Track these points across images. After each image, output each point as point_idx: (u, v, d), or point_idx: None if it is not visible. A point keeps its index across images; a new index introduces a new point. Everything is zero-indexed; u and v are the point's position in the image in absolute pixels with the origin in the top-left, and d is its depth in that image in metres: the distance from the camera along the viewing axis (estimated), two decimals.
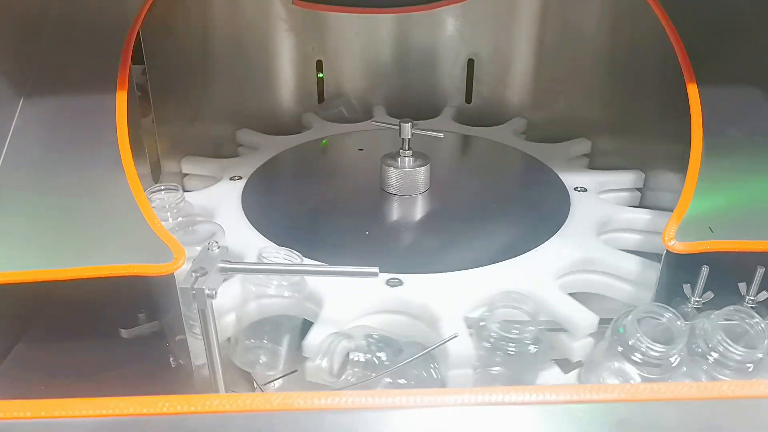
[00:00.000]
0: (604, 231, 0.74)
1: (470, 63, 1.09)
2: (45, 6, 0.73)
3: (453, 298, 0.59)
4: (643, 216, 0.76)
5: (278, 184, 0.87)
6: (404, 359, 0.50)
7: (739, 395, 0.35)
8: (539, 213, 0.77)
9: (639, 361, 0.53)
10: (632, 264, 0.66)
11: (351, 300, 0.59)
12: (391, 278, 0.61)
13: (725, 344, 0.52)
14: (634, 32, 0.86)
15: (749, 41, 0.72)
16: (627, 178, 0.85)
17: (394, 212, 0.79)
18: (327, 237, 0.73)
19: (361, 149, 0.95)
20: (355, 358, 0.50)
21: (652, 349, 0.51)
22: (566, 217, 0.74)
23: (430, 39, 1.07)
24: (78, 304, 0.70)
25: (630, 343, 0.53)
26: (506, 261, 0.65)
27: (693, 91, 0.69)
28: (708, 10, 0.74)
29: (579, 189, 0.80)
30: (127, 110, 0.71)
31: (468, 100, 1.12)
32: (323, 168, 0.94)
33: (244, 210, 0.77)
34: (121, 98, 0.70)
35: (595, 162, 0.95)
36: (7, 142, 0.67)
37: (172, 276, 0.55)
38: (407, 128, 0.78)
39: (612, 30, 0.91)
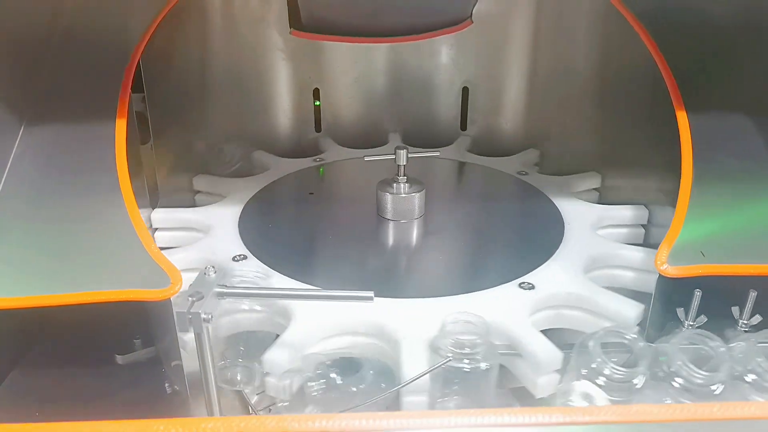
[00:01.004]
0: (593, 267, 0.73)
1: (464, 91, 1.11)
2: (47, 34, 0.74)
3: (419, 323, 0.59)
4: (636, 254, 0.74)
5: (275, 208, 0.88)
6: (369, 377, 0.50)
7: (731, 417, 0.35)
8: (530, 242, 0.77)
9: (603, 384, 0.53)
10: (616, 304, 0.64)
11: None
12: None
13: (687, 368, 0.53)
14: (624, 62, 0.88)
15: (737, 69, 0.74)
16: (627, 214, 0.83)
17: (389, 237, 0.80)
18: (322, 261, 0.74)
19: (311, 193, 0.94)
20: (313, 392, 0.50)
21: (617, 372, 0.51)
22: (557, 248, 0.74)
23: (426, 67, 1.09)
24: (74, 330, 0.70)
25: (593, 365, 0.53)
26: (482, 291, 0.65)
27: (682, 118, 0.71)
28: (696, 40, 0.76)
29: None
30: (127, 137, 0.72)
31: (463, 127, 1.13)
32: (320, 193, 0.95)
33: (240, 234, 0.77)
34: (121, 126, 0.72)
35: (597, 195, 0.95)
36: (7, 169, 0.68)
37: (169, 301, 0.55)
38: (402, 155, 0.79)
39: (602, 59, 0.93)
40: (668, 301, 0.62)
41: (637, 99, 0.83)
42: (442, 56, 1.09)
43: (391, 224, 0.81)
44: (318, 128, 1.13)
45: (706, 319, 0.60)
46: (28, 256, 0.62)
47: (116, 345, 0.69)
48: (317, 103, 1.11)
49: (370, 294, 0.51)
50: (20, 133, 0.72)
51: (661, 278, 0.61)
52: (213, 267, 0.52)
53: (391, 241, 0.79)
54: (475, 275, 0.70)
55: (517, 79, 1.07)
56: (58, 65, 0.74)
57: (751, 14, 0.75)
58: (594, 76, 0.94)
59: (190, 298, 0.48)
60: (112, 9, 0.77)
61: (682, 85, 0.73)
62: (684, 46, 0.76)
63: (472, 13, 1.03)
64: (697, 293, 0.60)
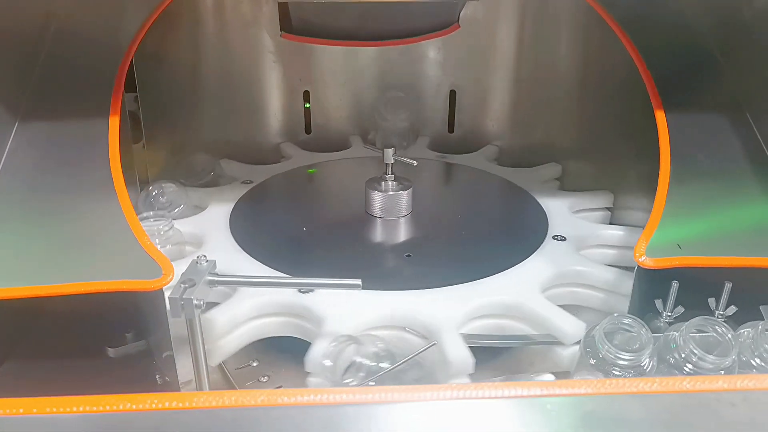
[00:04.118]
0: (581, 247, 0.78)
1: (452, 94, 1.13)
2: (41, 32, 0.75)
3: (438, 312, 0.62)
4: (616, 233, 0.80)
5: (265, 208, 0.89)
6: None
7: (699, 389, 0.37)
8: (519, 232, 0.80)
9: (615, 373, 0.54)
10: (609, 275, 0.70)
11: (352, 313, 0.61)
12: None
13: (696, 354, 0.54)
14: (604, 63, 0.91)
15: (713, 71, 0.77)
16: (598, 199, 0.90)
17: (378, 233, 0.81)
18: (313, 256, 0.75)
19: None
20: (359, 362, 0.51)
21: (621, 359, 0.53)
22: (545, 235, 0.77)
23: (414, 71, 1.12)
24: (67, 321, 0.71)
25: (601, 355, 0.55)
26: (493, 276, 0.68)
27: (660, 116, 0.73)
28: (673, 42, 0.79)
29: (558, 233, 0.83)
30: (120, 136, 0.73)
31: (450, 129, 1.15)
32: (310, 193, 0.97)
33: (232, 233, 0.79)
34: (114, 123, 0.73)
35: (568, 184, 0.99)
36: (1, 164, 0.69)
37: (161, 291, 0.56)
38: (389, 154, 0.81)
39: (583, 60, 0.96)
40: (647, 292, 0.64)
41: (617, 99, 0.86)
42: (430, 59, 1.11)
43: (379, 221, 0.83)
44: (308, 131, 1.15)
45: (683, 310, 0.62)
46: (21, 247, 0.63)
47: (108, 338, 0.69)
48: (307, 105, 1.13)
49: (358, 282, 0.53)
50: (14, 129, 0.73)
51: (640, 270, 0.63)
52: (204, 256, 0.53)
53: (379, 237, 0.81)
54: (479, 263, 0.72)
55: (503, 82, 1.09)
56: (52, 63, 0.75)
57: (727, 20, 0.78)
58: (575, 76, 0.98)
59: (182, 285, 0.49)
60: (105, 9, 0.79)
61: (661, 86, 0.75)
62: (663, 49, 0.79)
63: (459, 17, 1.06)
64: (675, 285, 0.62)
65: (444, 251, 0.77)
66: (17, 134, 0.72)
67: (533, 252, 0.74)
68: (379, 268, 0.73)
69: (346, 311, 0.60)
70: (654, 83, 0.76)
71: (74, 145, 0.72)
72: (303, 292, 0.62)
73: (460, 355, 0.56)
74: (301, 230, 0.81)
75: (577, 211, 0.87)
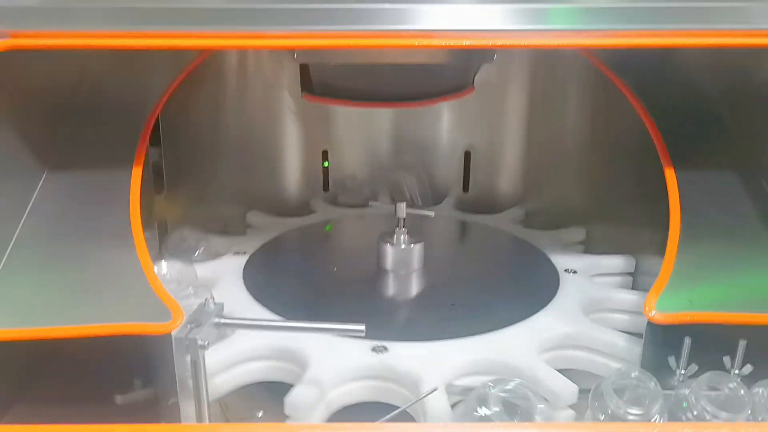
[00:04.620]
0: (592, 310, 0.76)
1: (467, 155, 1.15)
2: (75, 89, 0.80)
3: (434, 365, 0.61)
4: (630, 297, 0.78)
5: (279, 260, 0.91)
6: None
7: None
8: (528, 290, 0.79)
9: None
10: (617, 340, 0.68)
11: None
12: (378, 345, 0.63)
13: (708, 411, 0.53)
14: (614, 124, 0.92)
15: (722, 132, 0.78)
16: (617, 263, 0.87)
17: (389, 287, 0.82)
18: (323, 307, 0.76)
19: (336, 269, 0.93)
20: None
21: (630, 413, 0.52)
22: (554, 294, 0.76)
23: (430, 131, 1.15)
24: (77, 365, 0.72)
25: (609, 411, 0.53)
26: (493, 332, 0.68)
27: (670, 174, 0.74)
28: (683, 104, 0.80)
29: (569, 270, 0.83)
30: (143, 186, 0.76)
31: (465, 189, 1.17)
32: (323, 247, 0.98)
33: (245, 282, 0.80)
34: (136, 174, 0.76)
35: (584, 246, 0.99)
36: (28, 209, 0.72)
37: (169, 336, 0.57)
38: (402, 207, 0.83)
39: (592, 122, 0.98)
40: (659, 347, 0.62)
41: (626, 159, 0.87)
42: (445, 121, 1.14)
43: (390, 275, 0.83)
44: (326, 188, 1.17)
45: (697, 368, 0.61)
46: (37, 290, 0.65)
47: (117, 383, 0.70)
48: (326, 164, 1.16)
49: (361, 327, 0.53)
50: (42, 179, 0.76)
51: (651, 325, 0.62)
52: (213, 298, 0.54)
53: (397, 289, 0.81)
54: (482, 319, 0.71)
55: (516, 144, 1.11)
56: (83, 117, 0.80)
57: (736, 82, 0.80)
58: (584, 136, 0.99)
59: (188, 325, 0.50)
60: (137, 68, 0.84)
61: (671, 146, 0.76)
62: (672, 111, 0.80)
63: (473, 81, 1.09)
64: (687, 341, 0.61)
65: (447, 305, 0.77)
66: (45, 182, 0.76)
67: (538, 311, 0.73)
68: (379, 319, 0.73)
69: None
70: (663, 143, 0.77)
71: (98, 194, 0.75)
72: (377, 352, 0.63)
73: None
74: (308, 282, 0.82)
75: (595, 275, 0.85)
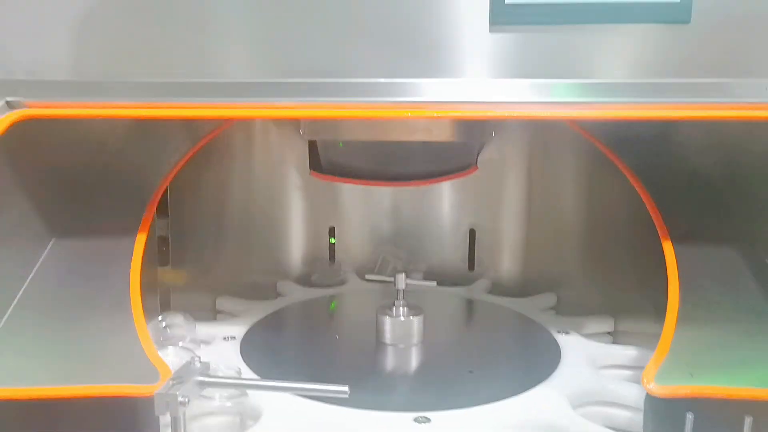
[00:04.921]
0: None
1: (471, 233, 1.16)
2: (87, 157, 0.83)
3: None
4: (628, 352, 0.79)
5: (278, 334, 0.90)
6: None
7: None
8: (535, 354, 0.80)
9: None
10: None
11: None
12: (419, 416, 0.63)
13: None
14: (611, 204, 0.94)
15: (719, 202, 0.78)
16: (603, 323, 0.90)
17: (387, 360, 0.81)
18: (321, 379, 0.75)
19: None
20: None
21: None
22: (560, 356, 0.77)
23: (434, 209, 1.16)
24: (69, 422, 0.70)
25: None
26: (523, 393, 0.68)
27: (668, 247, 0.74)
28: (679, 175, 0.81)
29: (561, 332, 0.84)
30: (147, 257, 0.78)
31: (471, 267, 1.17)
32: (323, 322, 0.98)
33: (243, 357, 0.79)
34: (140, 242, 0.78)
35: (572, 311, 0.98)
36: (33, 272, 0.74)
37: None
38: (401, 279, 0.83)
39: (588, 196, 1.01)
40: (660, 422, 0.60)
41: (623, 235, 0.87)
42: (448, 199, 1.16)
43: (389, 348, 0.82)
44: (332, 262, 1.18)
45: None
46: (34, 352, 0.66)
47: None
48: (332, 240, 1.18)
49: (345, 388, 0.52)
50: (50, 244, 0.78)
51: (649, 398, 0.60)
52: (199, 357, 0.54)
53: (394, 362, 0.80)
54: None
55: (517, 220, 1.12)
56: (93, 185, 0.83)
57: (732, 155, 0.81)
58: (581, 210, 1.02)
59: (170, 382, 0.50)
60: (148, 141, 0.88)
61: (668, 220, 0.77)
62: (670, 186, 0.81)
63: (477, 160, 1.12)
64: (690, 417, 0.58)
65: (466, 372, 0.77)
66: (53, 247, 0.78)
67: (545, 378, 0.71)
68: (374, 390, 0.72)
69: None
70: (661, 217, 0.77)
71: (102, 260, 0.77)
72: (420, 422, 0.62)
73: None
74: (304, 355, 0.82)
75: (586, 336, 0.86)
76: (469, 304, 1.04)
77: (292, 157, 1.12)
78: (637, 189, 0.81)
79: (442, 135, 0.95)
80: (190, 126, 0.91)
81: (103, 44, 0.67)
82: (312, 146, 1.09)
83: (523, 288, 1.10)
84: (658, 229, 0.76)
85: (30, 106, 0.68)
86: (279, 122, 1.08)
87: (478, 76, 0.67)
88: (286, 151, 1.11)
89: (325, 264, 1.16)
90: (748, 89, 0.65)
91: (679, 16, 0.65)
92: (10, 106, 0.68)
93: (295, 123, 1.02)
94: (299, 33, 0.65)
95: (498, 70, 0.66)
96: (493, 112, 0.66)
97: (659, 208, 0.78)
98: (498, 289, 1.10)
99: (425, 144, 1.02)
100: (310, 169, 1.11)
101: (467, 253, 1.17)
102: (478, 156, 1.11)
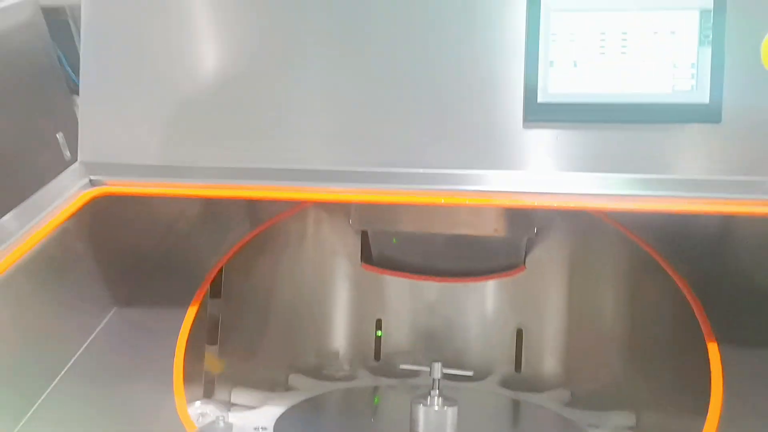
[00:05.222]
0: None
1: (519, 333, 1.14)
2: (156, 239, 0.91)
3: None
4: None
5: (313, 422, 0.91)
6: None
7: None
8: None
9: None
10: None
11: None
12: None
13: None
14: (652, 308, 0.92)
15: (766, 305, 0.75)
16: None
17: None
18: None
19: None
20: None
21: None
22: None
23: (482, 307, 1.16)
24: None
25: None
26: None
27: (713, 348, 0.71)
28: (725, 275, 0.79)
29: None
30: (196, 335, 0.83)
31: (518, 368, 1.14)
32: (361, 411, 0.98)
33: None
34: (190, 313, 0.83)
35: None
36: (90, 339, 0.80)
37: None
38: (437, 368, 0.83)
39: (630, 295, 0.99)
40: None
41: (664, 339, 0.85)
42: (496, 298, 1.16)
43: None
44: (377, 357, 1.18)
45: None
46: (75, 422, 0.70)
47: None
48: (379, 333, 1.19)
49: None
50: (111, 313, 0.85)
51: None
52: (223, 417, 0.56)
53: None
54: None
55: (561, 322, 1.10)
56: (158, 263, 0.90)
57: None
58: (623, 319, 1.00)
59: None
60: (211, 227, 0.95)
61: (715, 324, 0.74)
62: (717, 287, 0.79)
63: (525, 260, 1.13)
64: None
65: None
66: (113, 316, 0.84)
67: None
68: None
69: None
70: (707, 320, 0.75)
71: (154, 332, 0.83)
72: None
73: None
74: None
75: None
76: (509, 402, 1.01)
77: (342, 249, 1.16)
78: (682, 288, 0.79)
79: (487, 229, 0.98)
80: (251, 211, 0.99)
81: (187, 133, 0.76)
82: (364, 238, 1.14)
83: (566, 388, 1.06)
84: (703, 331, 0.74)
85: (110, 185, 0.77)
86: (332, 214, 1.14)
87: (518, 168, 0.70)
88: (337, 242, 1.16)
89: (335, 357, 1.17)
90: None
91: (710, 117, 0.67)
92: (92, 183, 0.77)
93: (346, 214, 1.07)
94: (371, 128, 0.72)
95: (533, 163, 0.70)
96: (538, 203, 0.69)
97: (706, 310, 0.76)
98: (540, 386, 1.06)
99: (473, 241, 1.05)
100: (361, 261, 1.15)
101: (514, 353, 1.15)
102: (526, 256, 1.12)
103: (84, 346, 0.79)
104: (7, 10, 1.58)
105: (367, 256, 1.16)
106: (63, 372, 0.75)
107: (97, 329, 0.82)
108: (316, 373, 1.10)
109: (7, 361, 0.68)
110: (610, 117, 0.69)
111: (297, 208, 1.07)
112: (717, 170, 0.67)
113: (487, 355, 1.15)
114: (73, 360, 0.77)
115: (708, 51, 0.67)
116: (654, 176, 0.68)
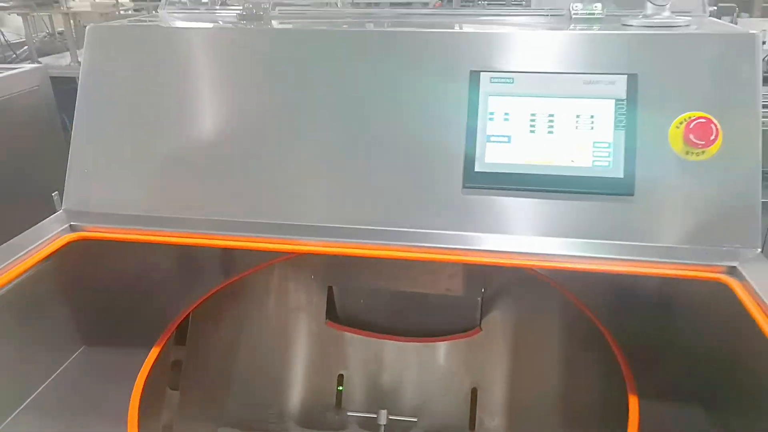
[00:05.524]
0: None
1: (473, 391, 1.19)
2: (128, 283, 0.97)
3: None
4: None
5: None
6: None
7: None
8: None
9: None
10: None
11: None
12: None
13: None
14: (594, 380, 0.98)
15: (684, 360, 0.82)
16: None
17: None
18: None
19: None
20: None
21: None
22: None
23: (440, 366, 1.21)
24: None
25: None
26: None
27: (633, 401, 0.77)
28: (649, 332, 0.86)
29: None
30: (157, 380, 0.87)
31: (471, 426, 1.18)
32: None
33: None
34: (153, 353, 0.88)
35: None
36: (53, 376, 0.85)
37: None
38: (383, 415, 0.88)
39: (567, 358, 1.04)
40: None
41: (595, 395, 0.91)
42: (453, 358, 1.21)
43: None
44: (338, 409, 1.22)
45: None
46: None
47: None
48: (340, 388, 1.23)
49: None
50: (78, 352, 0.90)
51: None
52: None
53: None
54: None
55: (511, 383, 1.16)
56: (129, 305, 0.96)
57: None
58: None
59: None
60: (183, 274, 1.02)
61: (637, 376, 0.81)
62: (642, 352, 0.86)
63: (481, 322, 1.19)
64: None
65: None
66: (80, 355, 0.89)
67: None
68: None
69: None
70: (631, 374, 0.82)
71: (116, 371, 0.87)
72: None
73: None
74: None
75: None
76: None
77: (306, 304, 1.22)
78: (611, 345, 0.86)
79: (440, 287, 1.05)
80: (224, 264, 1.06)
81: (164, 188, 0.85)
82: (330, 295, 1.21)
83: None
84: (627, 383, 0.80)
85: (88, 231, 0.84)
86: (298, 270, 1.21)
87: (456, 229, 0.79)
88: (302, 297, 1.22)
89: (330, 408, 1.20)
90: (684, 253, 0.74)
91: (624, 190, 0.76)
92: (72, 228, 0.85)
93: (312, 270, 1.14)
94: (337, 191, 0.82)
95: (469, 224, 0.79)
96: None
97: (630, 366, 0.83)
98: None
99: (432, 303, 1.12)
100: (326, 318, 1.21)
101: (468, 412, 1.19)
102: (481, 319, 1.19)
103: (44, 384, 0.84)
104: (19, 76, 1.72)
105: (332, 315, 1.22)
106: (16, 412, 0.80)
107: (61, 367, 0.88)
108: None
109: None
110: (538, 186, 0.78)
111: (266, 263, 1.14)
112: (629, 237, 0.75)
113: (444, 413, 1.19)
114: (30, 398, 0.82)
115: (622, 134, 0.77)
116: (575, 240, 0.76)
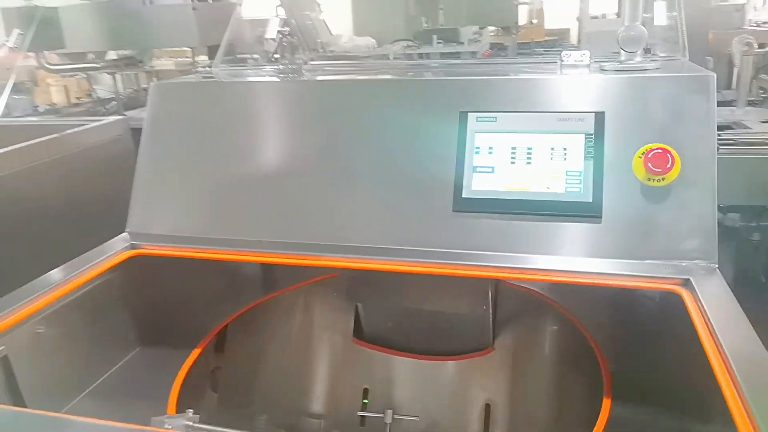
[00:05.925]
0: None
1: (487, 407, 1.27)
2: (180, 293, 1.14)
3: None
4: None
5: None
6: None
7: None
8: None
9: None
10: None
11: None
12: None
13: None
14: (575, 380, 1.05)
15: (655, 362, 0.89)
16: None
17: None
18: None
19: None
20: None
21: None
22: None
23: (454, 383, 1.30)
24: None
25: None
26: None
27: (606, 403, 0.85)
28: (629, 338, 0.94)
29: None
30: (199, 380, 1.02)
31: None
32: None
33: None
34: (193, 354, 1.04)
35: None
36: (109, 372, 1.01)
37: None
38: (389, 414, 0.98)
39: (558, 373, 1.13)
40: None
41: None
42: (468, 375, 1.30)
43: None
44: (362, 423, 1.32)
45: None
46: None
47: None
48: (366, 401, 1.34)
49: None
50: (134, 352, 1.07)
51: None
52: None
53: None
54: None
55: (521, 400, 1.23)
56: (179, 312, 1.12)
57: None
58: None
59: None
60: (229, 287, 1.18)
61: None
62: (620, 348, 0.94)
63: (493, 342, 1.28)
64: None
65: None
66: (135, 355, 1.06)
67: None
68: None
69: None
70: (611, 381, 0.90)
71: (162, 372, 1.03)
72: None
73: None
74: None
75: None
76: None
77: (336, 323, 1.35)
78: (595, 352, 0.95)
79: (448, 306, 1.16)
80: (267, 280, 1.21)
81: (216, 213, 1.03)
82: (357, 315, 1.33)
83: None
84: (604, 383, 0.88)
85: (146, 248, 1.02)
86: (325, 289, 1.34)
87: (447, 247, 0.91)
88: (329, 316, 1.35)
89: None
90: (647, 267, 0.83)
91: (593, 213, 0.86)
92: (132, 246, 1.03)
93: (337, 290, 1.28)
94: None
95: (459, 243, 0.91)
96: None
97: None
98: None
99: (447, 322, 1.22)
100: (353, 336, 1.33)
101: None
102: (493, 339, 1.28)
103: (101, 378, 1.01)
104: (104, 127, 1.99)
105: (359, 333, 1.34)
106: (76, 400, 0.96)
107: (120, 363, 1.04)
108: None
109: (47, 367, 0.90)
110: (518, 210, 0.90)
111: (302, 283, 1.29)
112: (598, 253, 0.85)
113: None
114: (95, 384, 0.99)
115: (591, 164, 0.88)
116: (550, 256, 0.87)
